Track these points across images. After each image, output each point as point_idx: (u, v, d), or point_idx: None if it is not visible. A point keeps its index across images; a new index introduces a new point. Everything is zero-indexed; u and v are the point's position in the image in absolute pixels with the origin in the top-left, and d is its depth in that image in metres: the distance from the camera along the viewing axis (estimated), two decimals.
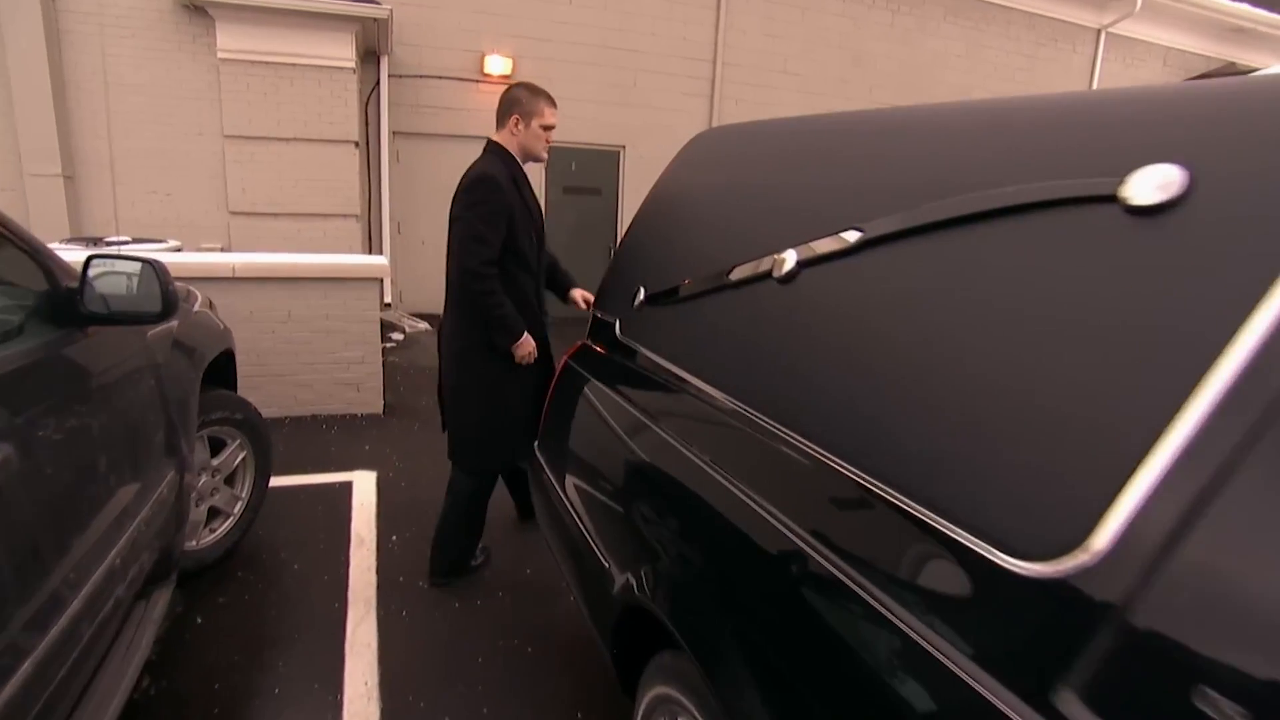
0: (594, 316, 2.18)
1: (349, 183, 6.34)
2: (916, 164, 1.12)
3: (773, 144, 1.59)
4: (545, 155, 2.44)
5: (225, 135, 6.24)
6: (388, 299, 7.49)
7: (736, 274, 1.40)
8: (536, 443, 2.24)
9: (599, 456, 1.75)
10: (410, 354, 6.20)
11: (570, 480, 1.86)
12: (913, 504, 0.88)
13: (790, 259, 1.25)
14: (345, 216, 6.40)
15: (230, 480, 2.67)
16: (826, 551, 0.97)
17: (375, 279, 4.25)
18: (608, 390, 1.79)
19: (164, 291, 1.59)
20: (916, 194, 1.06)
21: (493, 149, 2.36)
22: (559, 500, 1.89)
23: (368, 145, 7.20)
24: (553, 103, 2.37)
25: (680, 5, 8.22)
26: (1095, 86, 11.03)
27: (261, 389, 4.07)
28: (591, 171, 8.31)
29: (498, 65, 7.50)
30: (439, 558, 2.59)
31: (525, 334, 2.35)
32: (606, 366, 1.93)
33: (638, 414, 1.56)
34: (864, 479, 0.97)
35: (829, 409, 1.08)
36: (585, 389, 1.93)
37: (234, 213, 6.44)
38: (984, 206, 0.92)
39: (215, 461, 2.57)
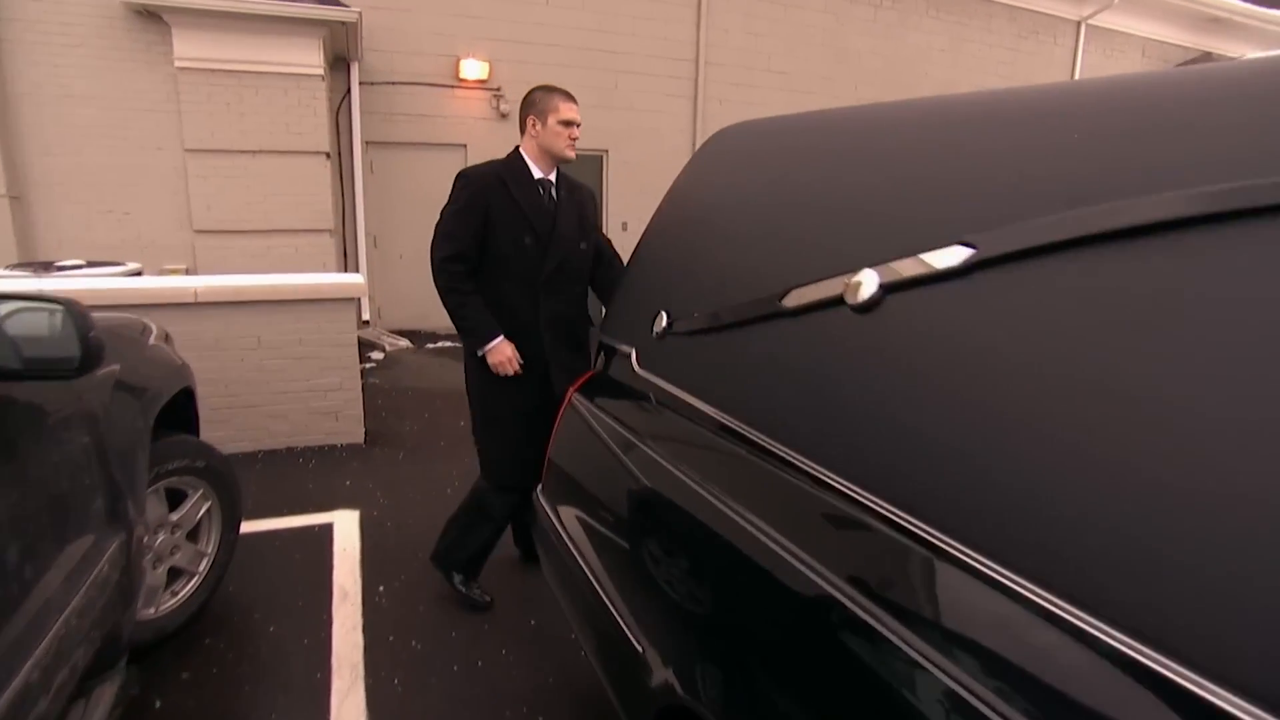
0: (603, 343, 1.91)
1: (320, 196, 6.03)
2: (1047, 158, 0.87)
3: (829, 139, 1.34)
4: (571, 153, 2.32)
5: (186, 149, 5.89)
6: (366, 316, 7.17)
7: (793, 299, 1.15)
8: (539, 487, 1.97)
9: (627, 519, 1.48)
10: (392, 374, 5.90)
11: (587, 540, 1.60)
12: (1084, 615, 0.64)
13: (869, 282, 1.00)
14: (318, 232, 6.09)
15: (194, 535, 2.37)
16: (961, 673, 0.72)
17: (350, 299, 3.96)
18: (631, 436, 1.53)
19: (83, 338, 1.30)
20: (1059, 196, 0.81)
21: (510, 153, 2.35)
22: (572, 561, 1.62)
23: (340, 156, 6.89)
24: (570, 98, 2.29)
25: (660, 4, 7.99)
26: (1077, 78, 10.97)
27: (231, 422, 3.76)
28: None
29: (473, 69, 7.22)
30: (441, 539, 2.57)
31: (498, 340, 2.22)
32: (625, 405, 1.66)
33: (678, 471, 1.30)
34: (1009, 577, 0.72)
35: (945, 480, 0.83)
36: (599, 430, 1.66)
37: (199, 231, 6.09)
38: (1188, 210, 0.67)
39: (174, 516, 2.27)
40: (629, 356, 1.71)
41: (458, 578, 2.53)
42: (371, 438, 4.23)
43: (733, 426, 1.23)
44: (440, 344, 7.07)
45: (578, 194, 2.45)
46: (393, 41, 6.94)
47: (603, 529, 1.57)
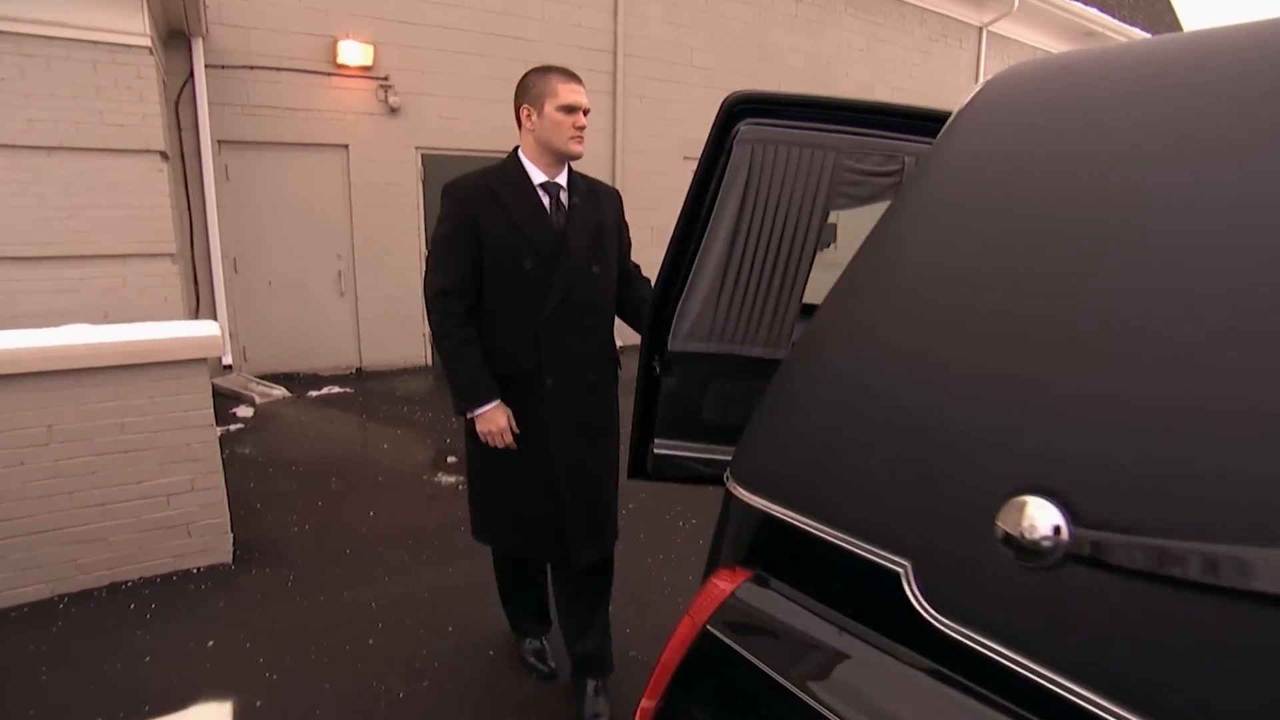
0: (797, 526, 0.91)
1: (156, 209, 4.57)
2: None
3: None
4: (578, 148, 1.84)
5: None
6: (227, 360, 5.69)
7: None
8: None
9: None
10: (267, 439, 4.54)
11: None
12: None
13: None
14: (154, 256, 4.62)
15: None
16: None
17: (198, 359, 2.70)
18: None
19: None
20: None
21: (509, 157, 1.91)
22: None
23: (183, 158, 5.40)
24: (572, 77, 1.84)
25: None
26: (979, 84, 11.04)
27: (7, 559, 2.44)
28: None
29: (354, 53, 5.92)
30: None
31: (492, 405, 1.82)
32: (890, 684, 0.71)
33: None
34: None
35: None
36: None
37: None
38: None
39: None
40: (892, 576, 0.75)
41: (527, 643, 2.32)
42: (244, 552, 2.98)
43: None
44: (327, 390, 5.72)
45: (597, 199, 1.97)
46: (249, 15, 5.53)
47: None
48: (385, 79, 6.11)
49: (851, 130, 1.39)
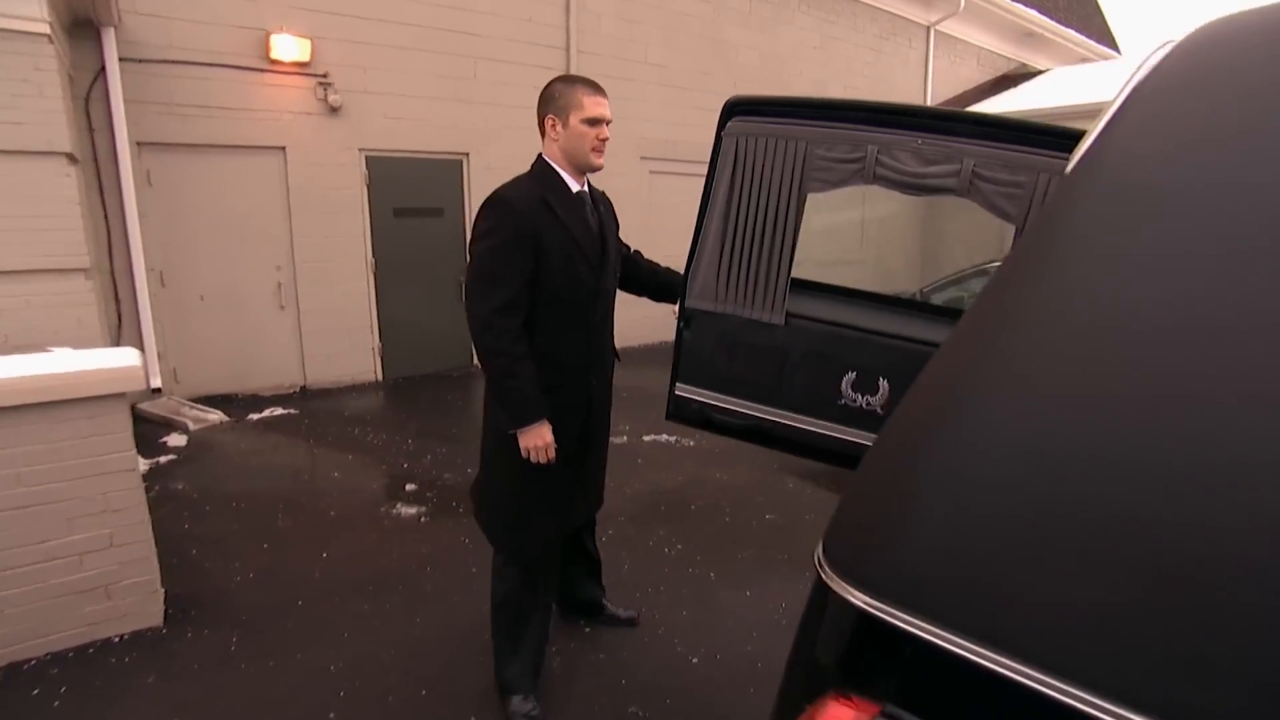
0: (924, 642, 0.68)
1: (65, 218, 4.08)
2: None
3: None
4: (599, 161, 1.93)
5: None
6: (156, 382, 5.19)
7: None
8: None
9: None
10: (202, 472, 4.10)
11: None
12: None
13: None
14: (65, 271, 4.13)
15: None
16: None
17: (115, 394, 2.32)
18: None
19: None
20: None
21: (535, 166, 1.95)
22: None
23: (97, 162, 4.89)
24: (597, 89, 1.91)
25: None
26: (929, 83, 11.17)
27: None
28: (429, 187, 6.51)
29: (289, 49, 5.48)
30: (496, 658, 2.15)
31: (541, 422, 1.86)
32: None
33: None
34: None
35: None
36: None
37: None
38: None
39: None
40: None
41: (519, 702, 2.08)
42: (177, 611, 2.60)
43: None
44: (269, 411, 5.27)
45: (609, 207, 2.13)
46: (167, 3, 5.04)
47: None
48: (324, 76, 5.68)
49: (822, 123, 1.67)
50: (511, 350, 1.80)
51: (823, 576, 0.76)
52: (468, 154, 6.65)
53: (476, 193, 6.74)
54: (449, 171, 6.62)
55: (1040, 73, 12.48)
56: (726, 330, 1.89)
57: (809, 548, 3.34)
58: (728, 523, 3.61)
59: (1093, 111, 8.66)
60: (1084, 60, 13.70)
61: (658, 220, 8.08)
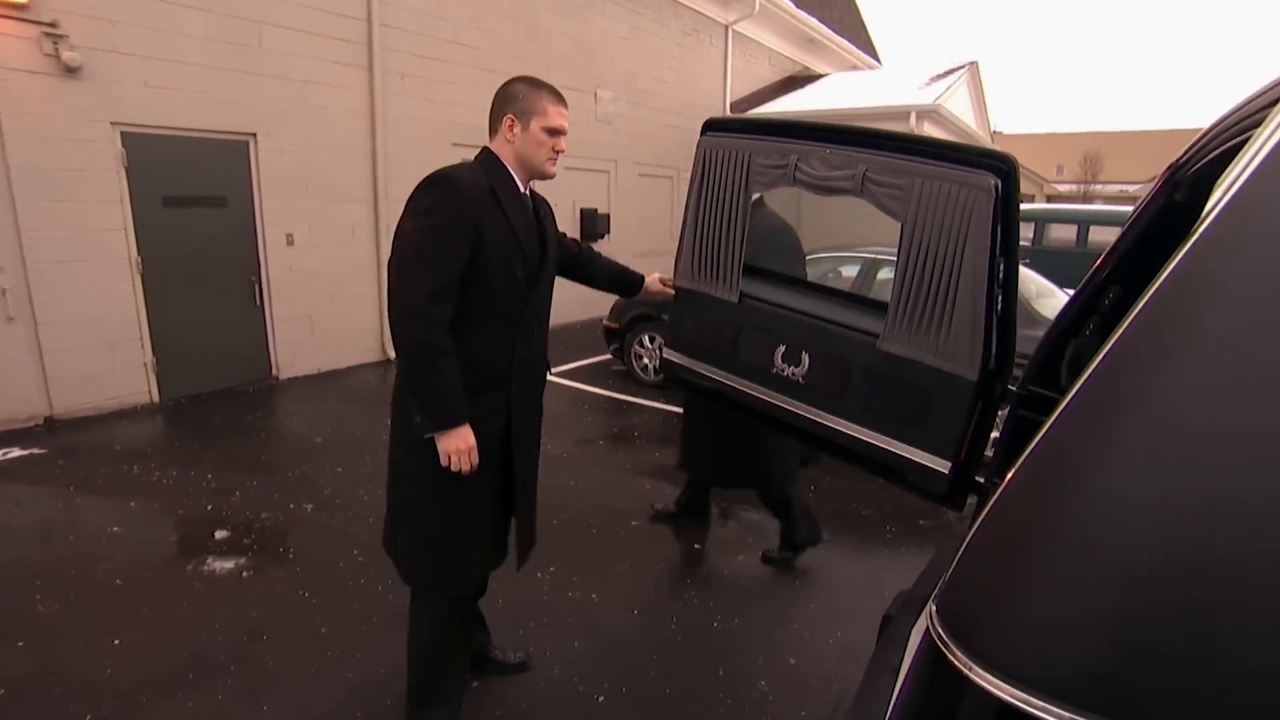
0: None
1: None
2: None
3: None
4: (553, 169, 1.91)
5: None
6: None
7: None
8: None
9: None
10: None
11: None
12: None
13: None
14: None
15: None
16: None
17: None
18: None
19: None
20: None
21: (481, 155, 1.91)
22: None
23: None
24: (561, 100, 1.90)
25: None
26: (729, 79, 11.73)
27: None
28: (208, 172, 5.52)
29: None
30: (411, 691, 2.02)
31: (463, 425, 1.75)
32: None
33: None
34: None
35: None
36: None
37: None
38: None
39: None
40: None
41: None
42: None
43: None
44: (2, 454, 4.16)
45: (550, 212, 2.11)
46: None
47: None
48: (53, 26, 4.54)
49: (763, 137, 1.94)
50: (439, 342, 1.71)
51: (952, 659, 0.63)
52: (255, 134, 5.75)
53: (269, 179, 5.87)
54: (233, 154, 5.68)
55: (820, 76, 13.66)
56: (700, 305, 2.14)
57: (682, 551, 3.35)
58: (595, 535, 3.47)
59: (866, 115, 9.58)
60: (854, 68, 15.25)
61: None
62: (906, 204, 1.75)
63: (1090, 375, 0.66)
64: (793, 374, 1.95)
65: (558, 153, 1.90)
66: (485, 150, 1.92)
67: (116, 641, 2.46)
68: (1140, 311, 0.64)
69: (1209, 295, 0.62)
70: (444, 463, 1.76)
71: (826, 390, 1.88)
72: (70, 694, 2.20)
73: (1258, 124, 1.15)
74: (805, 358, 1.94)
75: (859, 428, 1.81)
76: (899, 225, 1.81)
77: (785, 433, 2.09)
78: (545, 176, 1.93)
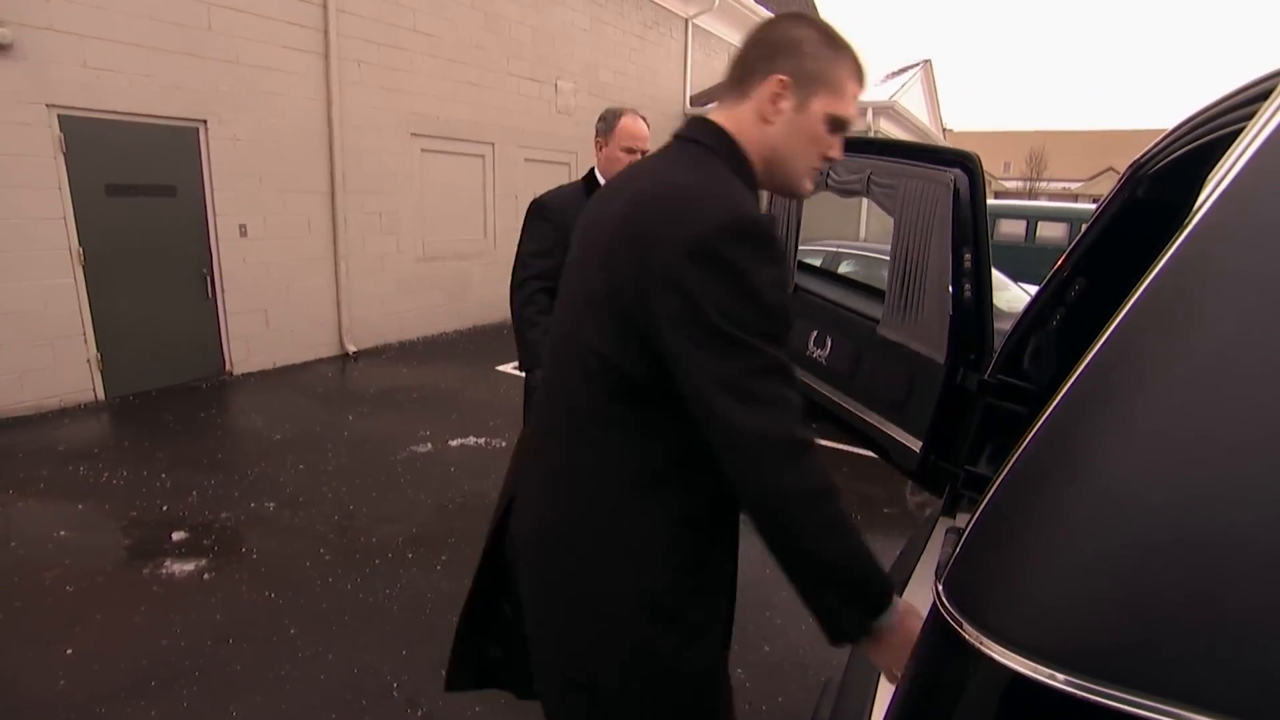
0: None
1: None
2: None
3: None
4: (809, 187, 1.58)
5: None
6: None
7: None
8: None
9: None
10: None
11: None
12: None
13: None
14: None
15: None
16: None
17: None
18: None
19: None
20: None
21: (717, 147, 1.39)
22: None
23: None
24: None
25: None
26: (689, 73, 11.75)
27: None
28: (155, 159, 5.29)
29: None
30: None
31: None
32: None
33: None
34: None
35: None
36: None
37: None
38: None
39: None
40: None
41: None
42: None
43: None
44: None
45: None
46: None
47: None
48: None
49: None
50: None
51: (963, 637, 0.64)
52: (205, 121, 5.54)
53: (220, 168, 5.67)
54: (181, 141, 5.46)
55: None
56: None
57: None
58: None
59: None
60: None
61: (431, 202, 7.51)
62: (895, 201, 1.91)
63: (1095, 355, 0.68)
64: (818, 356, 2.21)
65: (831, 161, 1.11)
66: (714, 129, 1.06)
67: (69, 651, 2.35)
68: (1145, 291, 0.67)
69: (1208, 279, 0.65)
70: (890, 681, 0.98)
71: (842, 372, 2.12)
72: (20, 708, 2.09)
73: (1220, 128, 1.21)
74: (829, 342, 2.21)
75: (862, 406, 2.04)
76: (893, 220, 1.97)
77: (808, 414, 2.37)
78: (794, 194, 1.16)
